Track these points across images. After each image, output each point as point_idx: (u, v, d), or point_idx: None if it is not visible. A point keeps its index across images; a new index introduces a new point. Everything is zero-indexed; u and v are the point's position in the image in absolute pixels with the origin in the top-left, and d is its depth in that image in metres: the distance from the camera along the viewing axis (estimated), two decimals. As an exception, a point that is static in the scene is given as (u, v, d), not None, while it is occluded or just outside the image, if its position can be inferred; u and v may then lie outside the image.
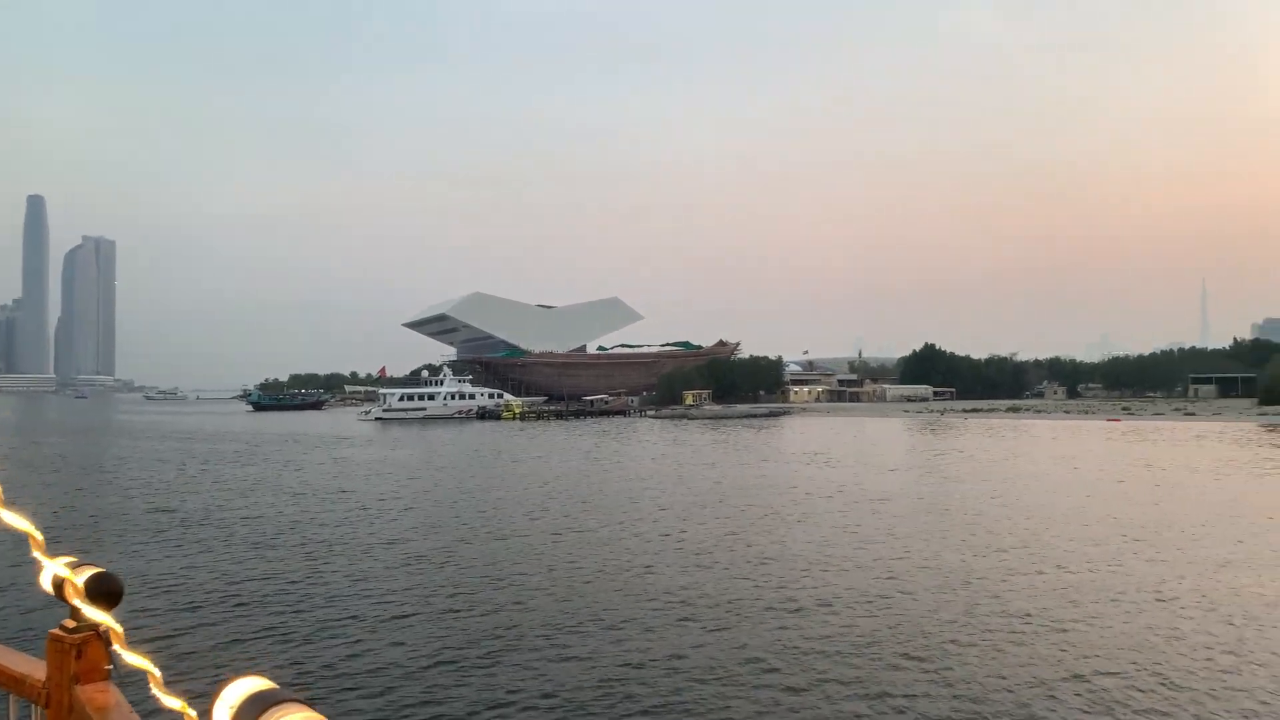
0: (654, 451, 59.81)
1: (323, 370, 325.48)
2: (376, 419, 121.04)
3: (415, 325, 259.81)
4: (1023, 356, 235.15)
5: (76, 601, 1.99)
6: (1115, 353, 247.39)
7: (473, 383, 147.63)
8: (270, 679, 1.40)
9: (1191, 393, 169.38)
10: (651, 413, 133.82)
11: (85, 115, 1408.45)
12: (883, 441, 69.02)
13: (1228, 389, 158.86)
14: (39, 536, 1.77)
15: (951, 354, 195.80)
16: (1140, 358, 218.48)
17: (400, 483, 40.14)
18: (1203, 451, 55.54)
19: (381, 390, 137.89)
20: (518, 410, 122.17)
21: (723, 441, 70.04)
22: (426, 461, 53.36)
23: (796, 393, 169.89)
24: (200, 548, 23.71)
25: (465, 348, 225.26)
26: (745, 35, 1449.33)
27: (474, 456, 57.23)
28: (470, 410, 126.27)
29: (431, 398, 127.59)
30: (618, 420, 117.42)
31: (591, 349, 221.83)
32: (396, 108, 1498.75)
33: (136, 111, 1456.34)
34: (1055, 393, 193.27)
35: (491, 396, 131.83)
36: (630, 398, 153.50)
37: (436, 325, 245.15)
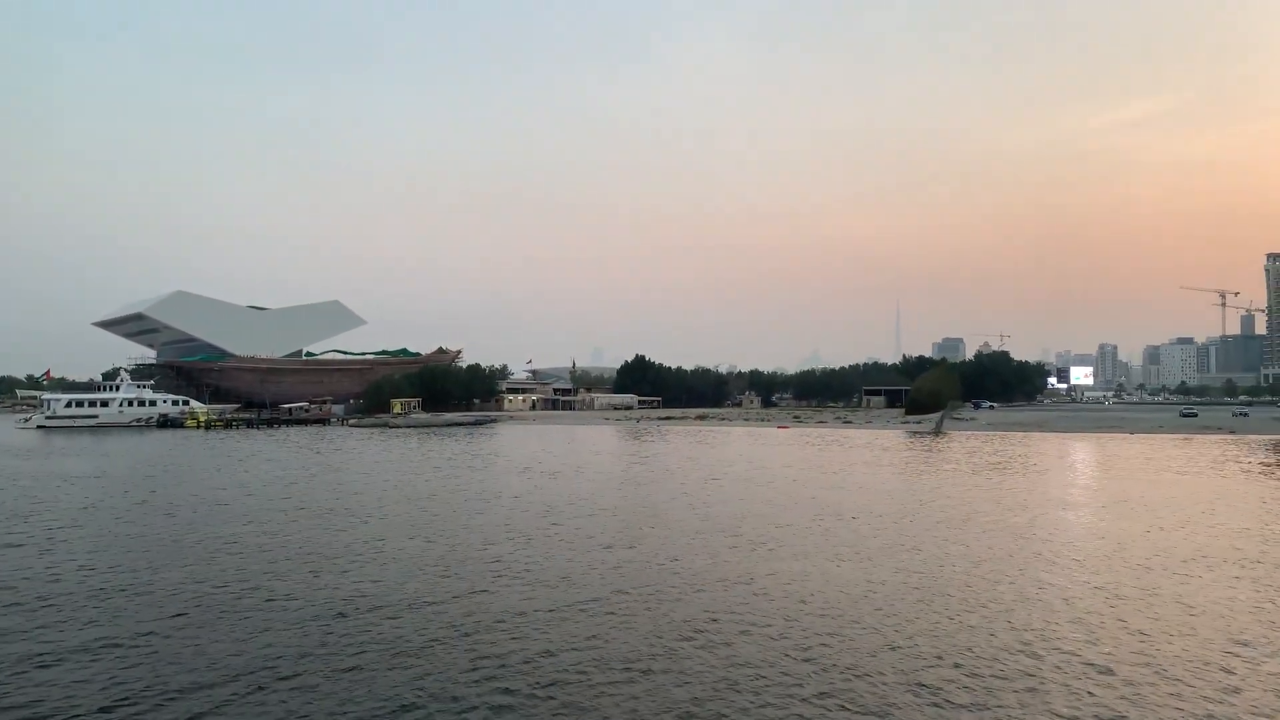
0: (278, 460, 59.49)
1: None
2: (39, 427, 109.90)
3: (108, 325, 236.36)
4: (735, 368, 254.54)
5: None
6: (823, 366, 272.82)
7: (160, 388, 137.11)
8: None
9: (865, 403, 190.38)
10: (353, 421, 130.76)
11: None
12: (554, 444, 72.48)
13: (894, 400, 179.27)
14: None
15: (661, 365, 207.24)
16: (825, 371, 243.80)
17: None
18: (823, 454, 63.47)
19: (46, 396, 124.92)
20: (203, 418, 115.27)
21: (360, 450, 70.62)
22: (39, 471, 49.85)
23: (511, 401, 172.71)
24: None
25: (166, 350, 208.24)
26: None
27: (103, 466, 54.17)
28: (150, 418, 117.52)
29: (105, 404, 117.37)
30: (312, 429, 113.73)
31: (319, 354, 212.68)
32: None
33: None
34: (752, 402, 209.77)
35: (175, 403, 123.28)
36: (335, 405, 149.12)
37: (134, 325, 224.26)
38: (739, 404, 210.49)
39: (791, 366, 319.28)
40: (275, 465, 55.72)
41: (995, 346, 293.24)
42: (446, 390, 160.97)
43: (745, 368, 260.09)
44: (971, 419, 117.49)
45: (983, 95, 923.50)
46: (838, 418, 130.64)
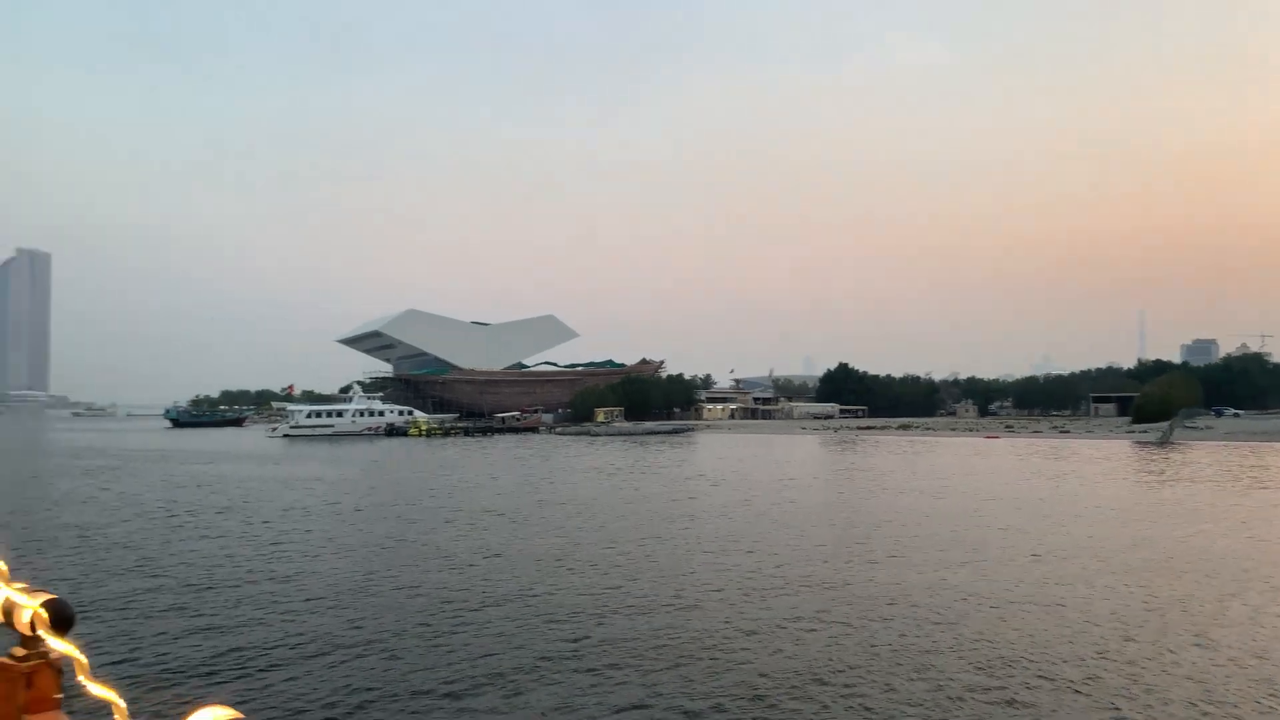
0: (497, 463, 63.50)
1: (257, 386, 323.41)
2: (284, 435, 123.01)
3: (350, 342, 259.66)
4: (956, 375, 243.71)
5: (42, 632, 1.98)
6: (1056, 372, 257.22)
7: (391, 399, 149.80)
8: (232, 707, 1.44)
9: (1093, 411, 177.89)
10: (559, 430, 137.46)
11: (19, 120, 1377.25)
12: (742, 455, 73.40)
13: (1125, 408, 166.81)
14: (3, 567, 1.81)
15: (864, 373, 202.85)
16: (1050, 378, 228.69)
17: (295, 498, 43.15)
18: (1023, 464, 60.76)
19: (289, 408, 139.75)
20: (424, 427, 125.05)
21: (580, 455, 73.95)
22: (313, 476, 56.32)
23: (710, 410, 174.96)
24: (94, 568, 23.76)
25: (401, 364, 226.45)
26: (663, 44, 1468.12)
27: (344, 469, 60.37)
28: (379, 427, 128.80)
29: (339, 415, 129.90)
30: (523, 437, 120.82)
31: (532, 366, 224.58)
32: (313, 119, 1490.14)
33: (73, 118, 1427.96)
34: (968, 411, 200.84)
35: (400, 414, 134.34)
36: (545, 414, 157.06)
37: (371, 342, 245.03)
38: (953, 413, 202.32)
39: (1018, 374, 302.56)
40: (497, 470, 59.82)
41: (1256, 348, 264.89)
42: (648, 399, 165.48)
43: (966, 375, 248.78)
44: (1208, 428, 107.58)
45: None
46: (1054, 427, 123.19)
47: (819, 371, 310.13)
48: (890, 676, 13.90)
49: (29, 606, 2.49)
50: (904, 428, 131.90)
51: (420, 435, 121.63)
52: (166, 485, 48.77)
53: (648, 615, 18.02)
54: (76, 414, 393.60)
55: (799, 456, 74.14)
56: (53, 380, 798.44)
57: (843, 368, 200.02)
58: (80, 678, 1.69)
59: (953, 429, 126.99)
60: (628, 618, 17.88)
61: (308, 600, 19.76)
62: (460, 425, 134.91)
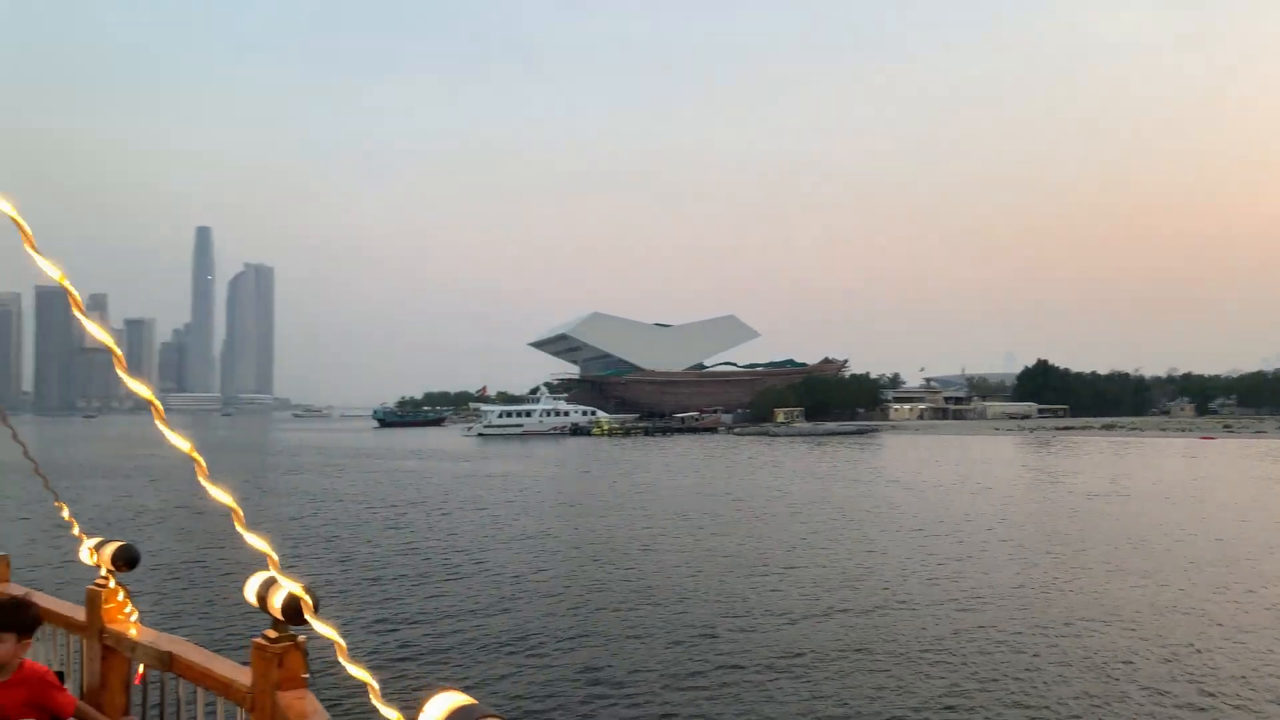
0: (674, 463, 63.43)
1: (456, 387, 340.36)
2: (478, 435, 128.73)
3: (539, 345, 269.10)
4: (1175, 371, 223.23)
5: (306, 615, 2.13)
6: None
7: (576, 400, 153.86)
8: (466, 694, 1.50)
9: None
10: (737, 430, 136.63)
11: (245, 144, 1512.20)
12: (924, 457, 70.19)
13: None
14: (275, 557, 1.91)
15: (1066, 370, 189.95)
16: (1275, 373, 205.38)
17: (509, 493, 45.33)
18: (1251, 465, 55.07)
19: (483, 408, 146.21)
20: (606, 427, 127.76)
21: (754, 458, 72.87)
22: (506, 472, 58.61)
23: (897, 410, 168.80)
24: (335, 559, 25.16)
25: (588, 365, 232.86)
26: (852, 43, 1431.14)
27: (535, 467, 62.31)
28: (564, 427, 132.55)
29: (528, 414, 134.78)
30: (701, 436, 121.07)
31: (711, 366, 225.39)
32: (494, 132, 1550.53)
33: (289, 138, 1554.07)
34: (1183, 410, 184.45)
35: (584, 414, 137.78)
36: (725, 415, 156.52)
37: (559, 344, 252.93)
38: (1166, 412, 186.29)
39: (1246, 370, 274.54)
40: (676, 469, 60.38)
41: None
42: (829, 399, 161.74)
43: (1183, 372, 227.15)
44: None
45: None
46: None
47: (1021, 369, 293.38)
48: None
49: (281, 590, 2.79)
50: (1107, 428, 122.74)
51: (602, 434, 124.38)
52: (374, 481, 52.19)
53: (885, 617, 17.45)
54: (296, 415, 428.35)
55: (983, 457, 70.18)
56: (276, 385, 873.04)
57: (1042, 365, 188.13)
58: (339, 659, 1.76)
59: (1163, 429, 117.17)
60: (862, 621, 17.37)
61: (521, 591, 20.40)
62: (640, 425, 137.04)
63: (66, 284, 1.69)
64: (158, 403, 1.70)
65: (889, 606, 18.43)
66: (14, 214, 1.64)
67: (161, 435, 1.73)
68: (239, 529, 1.87)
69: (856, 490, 44.10)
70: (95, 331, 1.73)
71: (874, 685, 13.25)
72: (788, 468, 60.96)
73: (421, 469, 62.09)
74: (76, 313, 1.73)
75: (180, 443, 1.75)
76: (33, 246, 1.62)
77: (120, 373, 1.69)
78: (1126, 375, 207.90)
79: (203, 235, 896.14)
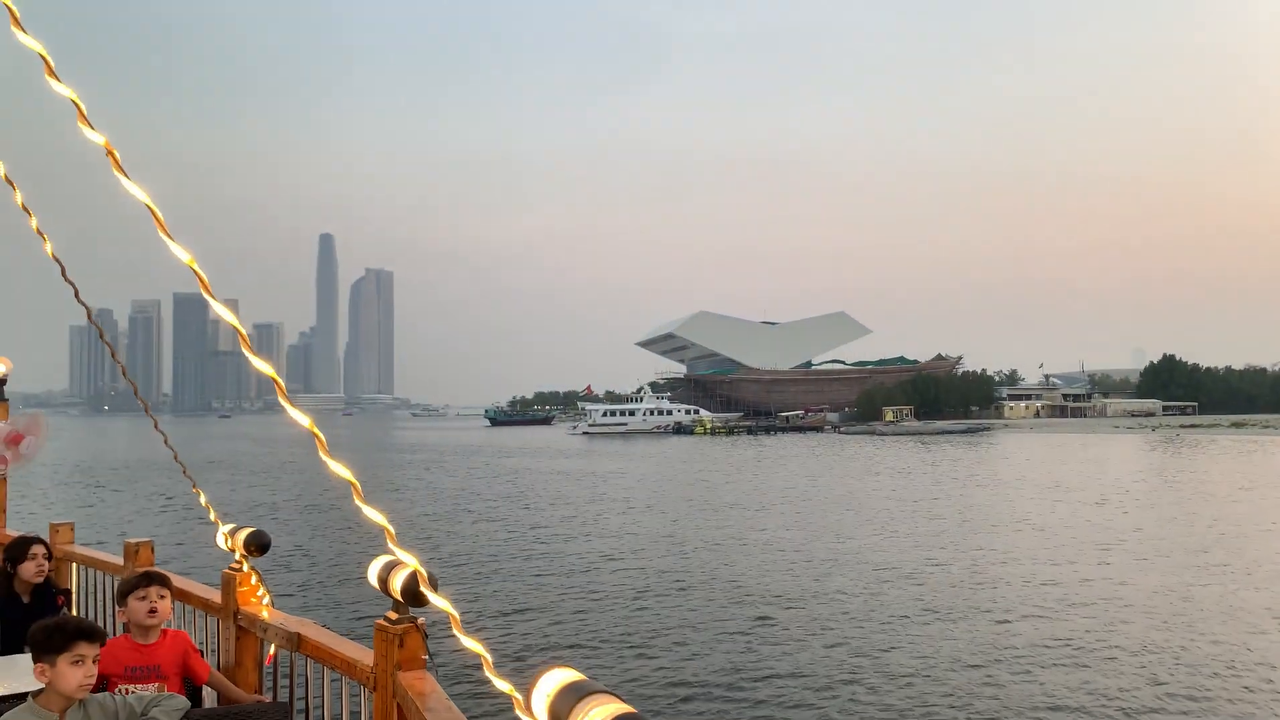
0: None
1: (566, 387, 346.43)
2: (583, 433, 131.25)
3: (646, 344, 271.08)
4: None
5: (424, 589, 2.25)
6: None
7: (682, 398, 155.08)
8: (578, 671, 1.54)
9: None
10: (843, 429, 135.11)
11: (362, 151, 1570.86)
12: (1036, 456, 68.38)
13: None
14: (392, 529, 1.96)
15: (1195, 365, 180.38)
16: None
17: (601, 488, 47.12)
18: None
19: (588, 407, 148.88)
20: (709, 426, 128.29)
21: (852, 458, 72.30)
22: (599, 468, 60.34)
23: (1012, 408, 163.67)
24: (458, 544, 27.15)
25: (695, 364, 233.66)
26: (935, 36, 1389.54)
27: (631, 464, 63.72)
28: (667, 425, 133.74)
29: (632, 414, 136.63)
30: (806, 435, 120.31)
31: (819, 364, 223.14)
32: (616, 129, 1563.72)
33: (412, 147, 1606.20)
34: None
35: (688, 412, 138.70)
36: (831, 414, 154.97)
37: (666, 344, 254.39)
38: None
39: None
40: (773, 469, 61.05)
41: None
42: (940, 397, 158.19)
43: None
44: None
45: None
46: None
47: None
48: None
49: (406, 568, 2.91)
50: (1236, 425, 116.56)
51: (705, 433, 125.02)
52: (476, 475, 54.44)
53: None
54: (415, 414, 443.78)
55: (1096, 456, 67.89)
56: (397, 385, 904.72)
57: (1168, 360, 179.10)
58: (454, 630, 1.80)
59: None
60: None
61: (619, 583, 21.23)
62: (744, 424, 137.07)
63: (196, 267, 1.74)
64: (280, 380, 1.80)
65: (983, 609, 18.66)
66: (148, 200, 1.72)
67: (290, 417, 1.82)
68: (357, 502, 1.92)
69: (941, 489, 43.78)
70: (226, 316, 1.76)
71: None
72: (888, 464, 60.57)
73: (521, 466, 64.11)
74: (206, 296, 1.78)
75: (302, 419, 1.85)
76: (165, 232, 1.71)
77: (253, 358, 1.74)
78: (1264, 370, 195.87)
79: (326, 241, 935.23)
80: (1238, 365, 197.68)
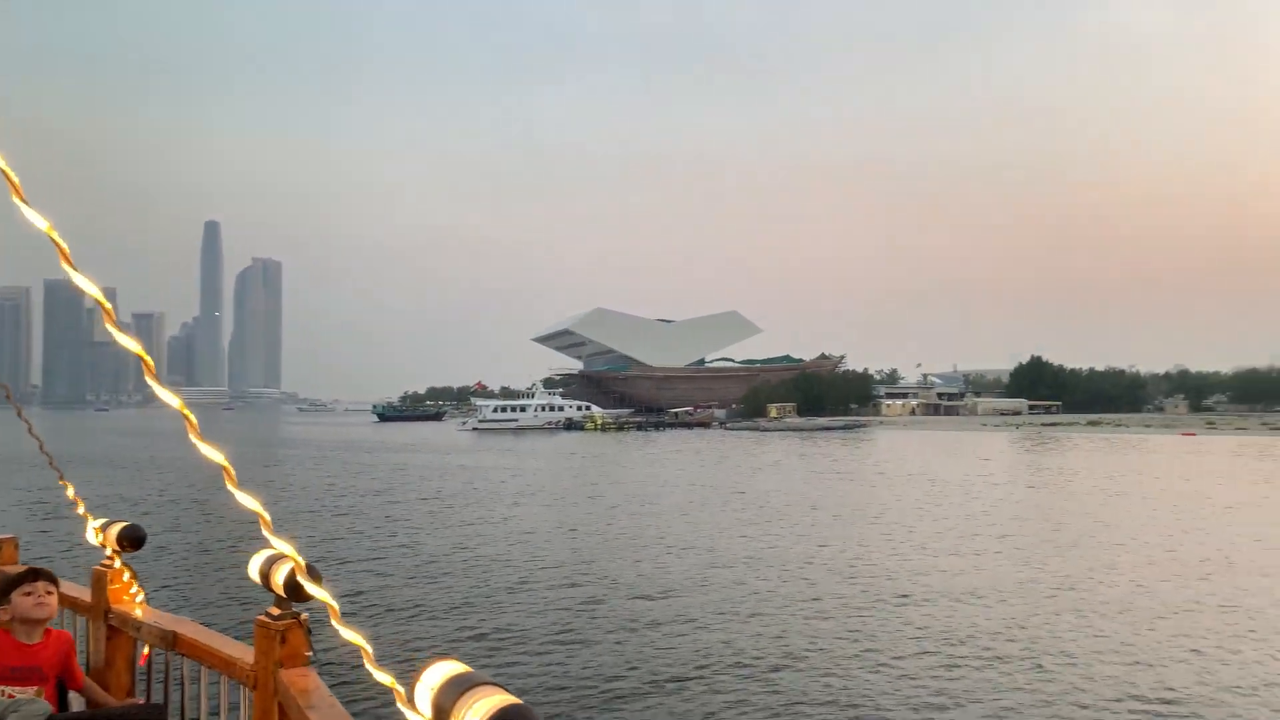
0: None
1: (462, 383, 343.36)
2: (473, 429, 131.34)
3: (543, 340, 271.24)
4: (1180, 367, 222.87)
5: (301, 578, 2.12)
6: None
7: (576, 395, 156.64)
8: (464, 662, 1.54)
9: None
10: (729, 425, 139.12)
11: (249, 139, 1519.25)
12: (892, 456, 72.57)
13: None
14: (267, 516, 1.91)
15: (1060, 366, 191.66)
16: (1271, 370, 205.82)
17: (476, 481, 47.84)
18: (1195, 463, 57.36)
19: (479, 403, 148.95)
20: (599, 422, 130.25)
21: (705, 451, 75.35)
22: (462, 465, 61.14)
23: (889, 406, 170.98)
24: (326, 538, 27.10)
25: (591, 360, 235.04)
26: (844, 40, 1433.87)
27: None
28: (558, 421, 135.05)
29: (523, 409, 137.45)
30: (693, 432, 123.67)
31: (711, 362, 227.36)
32: (524, 125, 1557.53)
33: (294, 138, 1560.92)
34: (1177, 407, 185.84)
35: (579, 409, 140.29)
36: (719, 410, 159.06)
37: (563, 340, 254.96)
38: (1161, 409, 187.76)
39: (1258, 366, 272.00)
40: (658, 463, 62.97)
41: None
42: (823, 395, 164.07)
43: (1195, 370, 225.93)
44: None
45: None
46: (1264, 424, 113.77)
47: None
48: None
49: (289, 563, 2.82)
50: (1092, 424, 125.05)
51: (595, 429, 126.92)
52: (362, 472, 54.42)
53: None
54: (301, 409, 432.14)
55: (955, 451, 72.51)
56: (285, 379, 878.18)
57: (1035, 361, 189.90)
58: (333, 622, 1.75)
59: (1147, 425, 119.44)
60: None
61: (496, 576, 22.32)
62: (634, 420, 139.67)
63: (54, 235, 1.56)
64: (148, 359, 1.65)
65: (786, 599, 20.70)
66: (2, 164, 1.54)
67: (158, 395, 1.69)
68: (230, 488, 1.84)
69: (810, 483, 46.60)
70: (87, 286, 1.63)
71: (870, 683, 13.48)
72: (767, 459, 63.53)
73: (405, 462, 64.37)
74: (66, 267, 1.60)
75: (171, 399, 1.74)
76: (20, 197, 1.53)
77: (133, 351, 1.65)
78: (1122, 372, 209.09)
79: (211, 229, 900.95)
80: (1100, 367, 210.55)
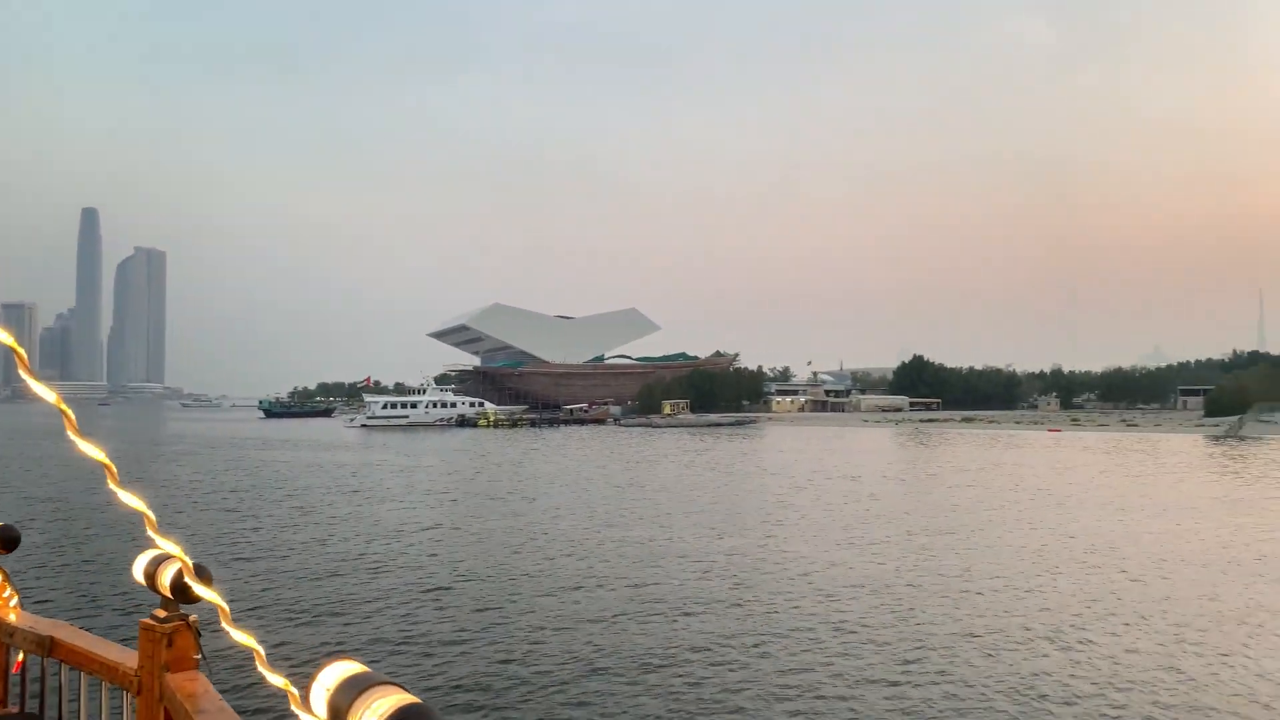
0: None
1: (353, 378, 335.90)
2: (362, 425, 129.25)
3: (439, 335, 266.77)
4: (1058, 366, 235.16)
5: (189, 579, 2.04)
6: (1167, 363, 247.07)
7: (471, 391, 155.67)
8: (361, 662, 1.50)
9: (1180, 404, 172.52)
10: (624, 422, 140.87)
11: (130, 126, 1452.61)
12: (771, 449, 75.31)
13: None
14: (152, 516, 1.83)
15: (940, 365, 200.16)
16: (1141, 371, 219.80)
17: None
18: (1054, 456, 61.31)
19: (368, 399, 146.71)
20: (493, 418, 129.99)
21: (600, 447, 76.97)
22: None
23: (779, 403, 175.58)
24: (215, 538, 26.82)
25: (489, 356, 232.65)
26: (756, 43, 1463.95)
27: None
28: (450, 418, 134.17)
29: (414, 406, 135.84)
30: (588, 428, 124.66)
31: (610, 358, 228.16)
32: (424, 118, 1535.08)
33: (177, 122, 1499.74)
34: (1050, 405, 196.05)
35: (472, 405, 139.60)
36: (615, 407, 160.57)
37: (459, 335, 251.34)
38: (1035, 406, 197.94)
39: (1131, 364, 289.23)
40: (542, 460, 63.67)
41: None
42: (714, 392, 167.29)
43: (1072, 367, 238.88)
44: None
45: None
46: (1123, 420, 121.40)
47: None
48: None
49: (171, 568, 2.75)
50: (966, 421, 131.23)
51: (489, 426, 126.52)
52: (244, 469, 53.70)
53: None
54: (184, 405, 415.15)
55: (831, 447, 75.59)
56: (169, 373, 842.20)
57: (917, 360, 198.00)
58: (224, 624, 1.70)
59: (1017, 422, 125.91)
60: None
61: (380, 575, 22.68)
62: (528, 417, 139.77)
63: None
64: (21, 350, 1.57)
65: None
66: None
67: (32, 389, 1.63)
68: (112, 487, 1.77)
69: (695, 475, 48.29)
70: None
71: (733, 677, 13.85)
72: (659, 453, 65.15)
73: (289, 459, 63.49)
74: None
75: (48, 394, 1.66)
76: None
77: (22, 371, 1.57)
78: (999, 370, 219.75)
79: (89, 216, 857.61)
80: (979, 365, 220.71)
